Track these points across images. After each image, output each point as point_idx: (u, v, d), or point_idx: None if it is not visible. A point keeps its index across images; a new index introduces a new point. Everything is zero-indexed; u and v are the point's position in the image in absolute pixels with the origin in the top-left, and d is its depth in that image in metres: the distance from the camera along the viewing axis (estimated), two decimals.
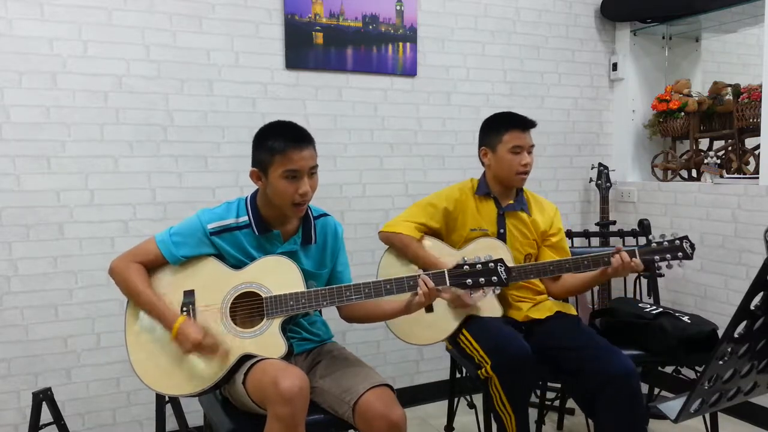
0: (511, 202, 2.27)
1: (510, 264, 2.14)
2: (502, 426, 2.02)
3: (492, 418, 2.07)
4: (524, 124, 2.20)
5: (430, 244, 2.24)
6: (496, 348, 1.99)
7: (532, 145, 2.22)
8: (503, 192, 2.27)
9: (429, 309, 2.16)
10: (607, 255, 2.01)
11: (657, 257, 1.99)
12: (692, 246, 2.00)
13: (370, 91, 2.92)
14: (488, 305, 2.18)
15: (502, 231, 2.24)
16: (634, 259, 1.99)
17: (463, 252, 2.20)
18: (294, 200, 1.72)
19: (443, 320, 2.17)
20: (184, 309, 1.74)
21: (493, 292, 2.17)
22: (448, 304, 2.16)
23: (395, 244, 2.24)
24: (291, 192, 1.71)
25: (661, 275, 2.02)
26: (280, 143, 1.68)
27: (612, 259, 2.00)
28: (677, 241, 1.99)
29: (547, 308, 2.25)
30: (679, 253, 1.98)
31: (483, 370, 1.99)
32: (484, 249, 2.16)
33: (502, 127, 2.20)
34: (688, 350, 2.19)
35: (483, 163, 2.29)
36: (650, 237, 2.04)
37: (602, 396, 1.96)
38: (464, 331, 2.13)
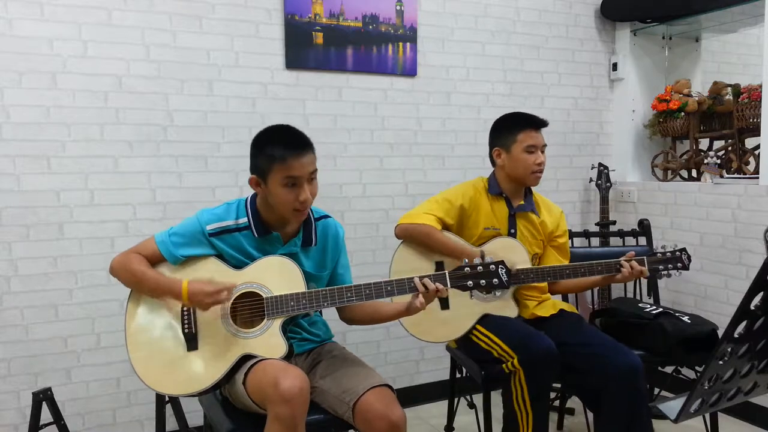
0: (522, 202, 2.29)
1: (527, 264, 2.17)
2: (514, 425, 2.01)
3: (494, 420, 2.07)
4: (537, 123, 2.22)
5: (451, 236, 2.22)
6: (522, 343, 1.99)
7: (545, 145, 2.23)
8: (514, 192, 2.28)
9: (445, 306, 2.16)
10: (618, 262, 2.13)
11: (661, 267, 2.15)
12: (689, 258, 2.18)
13: (370, 91, 2.92)
14: (505, 305, 2.19)
15: (513, 231, 2.25)
16: (643, 268, 2.12)
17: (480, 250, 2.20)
18: (294, 207, 1.71)
19: (459, 318, 2.17)
20: (185, 309, 1.74)
21: (494, 294, 2.18)
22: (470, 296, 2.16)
23: (416, 235, 2.18)
24: (291, 199, 1.70)
25: (660, 278, 2.16)
26: (279, 150, 1.67)
27: (623, 268, 2.11)
28: (677, 253, 2.16)
29: (551, 306, 2.28)
30: (678, 264, 2.15)
31: (508, 363, 1.99)
32: (501, 248, 2.17)
33: (516, 127, 2.21)
34: (688, 350, 2.20)
35: (494, 164, 2.29)
36: (654, 248, 2.21)
37: (607, 392, 1.97)
38: (479, 328, 2.13)
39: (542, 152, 2.21)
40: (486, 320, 2.15)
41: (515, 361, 1.97)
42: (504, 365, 2.01)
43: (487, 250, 2.18)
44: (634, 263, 2.11)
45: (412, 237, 2.21)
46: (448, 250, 2.17)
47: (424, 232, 2.17)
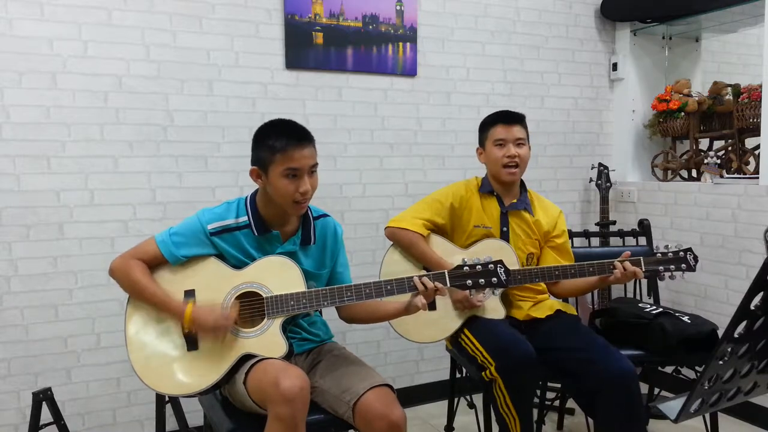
0: (515, 201, 2.28)
1: (515, 266, 2.15)
2: (505, 428, 2.02)
3: (494, 420, 2.07)
4: (507, 118, 2.23)
5: (437, 242, 2.23)
6: (500, 350, 1.99)
7: (519, 138, 2.21)
8: (505, 190, 2.28)
9: (432, 307, 2.16)
10: (611, 263, 2.05)
11: (661, 268, 2.03)
12: (695, 258, 2.05)
13: (370, 91, 2.92)
14: (491, 307, 2.18)
15: (504, 229, 2.25)
16: (637, 269, 2.02)
17: (468, 252, 2.20)
18: (295, 198, 1.72)
19: (445, 319, 2.17)
20: None
21: (493, 293, 2.17)
22: (454, 305, 2.17)
23: (401, 241, 2.21)
24: (291, 191, 1.71)
25: (662, 279, 2.09)
26: (281, 141, 1.68)
27: (615, 269, 2.03)
28: (681, 253, 2.04)
29: (547, 307, 2.26)
30: (683, 265, 2.04)
31: (487, 371, 1.99)
32: (490, 249, 2.16)
33: (489, 124, 2.26)
34: (688, 350, 2.19)
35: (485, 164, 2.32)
36: (656, 247, 2.09)
37: (601, 397, 1.96)
38: (466, 332, 2.13)
39: (517, 146, 2.20)
40: (474, 324, 2.14)
41: (493, 369, 1.97)
42: (483, 373, 2.01)
43: (475, 252, 2.19)
44: (627, 264, 2.03)
45: (398, 242, 2.24)
46: (426, 262, 2.18)
47: (407, 239, 2.19)
